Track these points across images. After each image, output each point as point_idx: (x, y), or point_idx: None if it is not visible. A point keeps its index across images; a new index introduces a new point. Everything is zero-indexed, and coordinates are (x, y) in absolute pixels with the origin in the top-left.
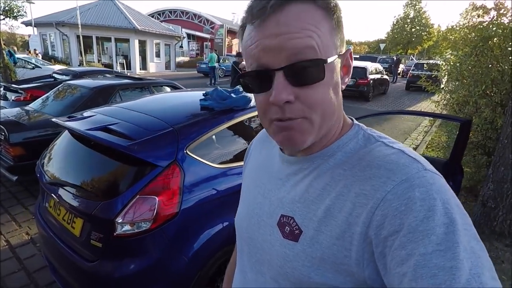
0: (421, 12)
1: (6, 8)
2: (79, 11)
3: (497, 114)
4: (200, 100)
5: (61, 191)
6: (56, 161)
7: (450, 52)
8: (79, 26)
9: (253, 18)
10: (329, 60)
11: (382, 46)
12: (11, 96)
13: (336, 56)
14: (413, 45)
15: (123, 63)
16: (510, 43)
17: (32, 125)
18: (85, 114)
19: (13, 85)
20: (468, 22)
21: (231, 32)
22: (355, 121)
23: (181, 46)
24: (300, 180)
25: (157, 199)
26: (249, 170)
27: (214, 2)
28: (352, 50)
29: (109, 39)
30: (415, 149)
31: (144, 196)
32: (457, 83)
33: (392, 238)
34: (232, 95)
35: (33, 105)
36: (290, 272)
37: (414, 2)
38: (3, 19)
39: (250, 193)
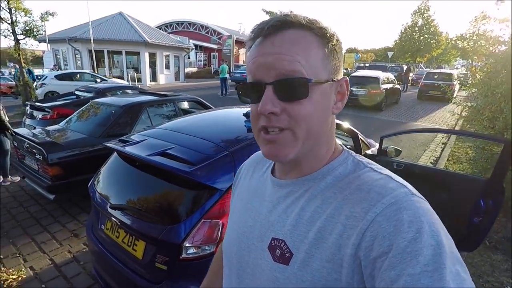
0: (429, 20)
1: (27, 28)
2: (91, 26)
3: None
4: (245, 121)
5: (121, 215)
6: (111, 184)
7: (463, 62)
8: (92, 41)
9: (254, 37)
10: (314, 80)
11: (390, 54)
12: (38, 115)
13: (327, 80)
14: (422, 53)
15: (134, 76)
16: None
17: (68, 145)
18: (136, 138)
19: (38, 103)
20: (478, 30)
21: (238, 42)
22: (345, 148)
23: (189, 57)
24: (291, 203)
25: (220, 222)
26: (239, 193)
27: (221, 13)
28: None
29: (120, 53)
30: (436, 161)
31: (208, 219)
32: (486, 99)
33: (381, 259)
34: None
35: (64, 124)
36: None
37: (422, 10)
38: (23, 38)
39: (240, 216)
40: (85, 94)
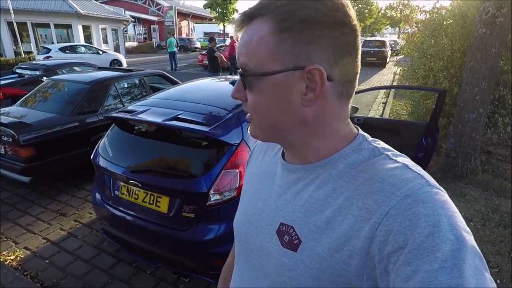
0: None
1: None
2: None
3: (453, 84)
4: None
5: (142, 177)
6: (121, 154)
7: (392, 30)
8: (11, 11)
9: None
10: (259, 73)
11: None
12: None
13: (279, 70)
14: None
15: None
16: (460, 27)
17: (39, 124)
18: (138, 108)
19: None
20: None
21: (180, 14)
22: (361, 131)
23: (126, 31)
24: (301, 189)
25: (237, 171)
26: (250, 174)
27: None
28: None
29: (47, 25)
30: (380, 117)
31: (227, 170)
32: (419, 60)
33: (396, 254)
34: None
35: (22, 104)
36: (287, 281)
37: None
38: None
39: (250, 197)
40: (29, 72)
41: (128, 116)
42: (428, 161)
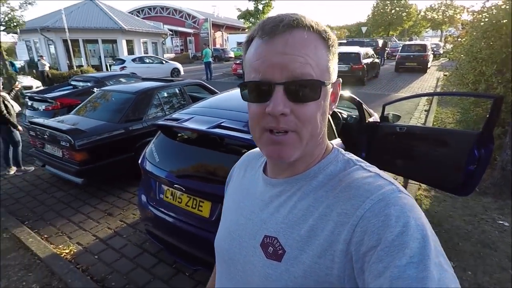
0: None
1: (6, 19)
2: (64, 14)
3: (509, 90)
4: None
5: (186, 182)
6: (168, 159)
7: (433, 32)
8: (66, 30)
9: (264, 33)
10: (326, 83)
11: (364, 29)
12: (40, 106)
13: (329, 82)
14: (394, 26)
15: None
16: None
17: (92, 131)
18: (183, 116)
19: (37, 95)
20: (445, 0)
21: (214, 25)
22: (335, 145)
23: (164, 43)
24: (284, 201)
25: None
26: (230, 193)
27: None
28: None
29: (95, 41)
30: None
31: None
32: (469, 64)
33: (370, 253)
34: None
35: (76, 113)
36: None
37: None
38: (4, 29)
39: (232, 214)
40: (82, 83)
41: (174, 123)
42: (481, 174)
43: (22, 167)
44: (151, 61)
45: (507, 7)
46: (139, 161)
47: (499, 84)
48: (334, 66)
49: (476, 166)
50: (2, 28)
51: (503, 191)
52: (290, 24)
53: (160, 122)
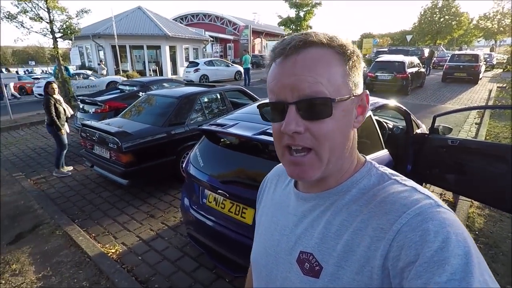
0: (449, 0)
1: (64, 26)
2: (114, 22)
3: None
4: None
5: (228, 188)
6: (211, 164)
7: (485, 42)
8: (115, 36)
9: (276, 56)
10: (338, 99)
11: (408, 37)
12: (90, 109)
13: (349, 96)
14: (442, 35)
15: (156, 70)
16: None
17: (137, 134)
18: (227, 122)
19: (88, 98)
20: (502, 9)
21: (254, 32)
22: (367, 159)
23: (205, 49)
24: (317, 216)
25: None
26: (263, 207)
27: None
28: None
29: (141, 47)
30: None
31: None
32: None
33: (408, 269)
34: None
35: (123, 116)
36: None
37: None
38: (61, 36)
39: (266, 230)
40: (128, 88)
41: (219, 129)
42: None
43: (60, 169)
44: (218, 64)
45: None
46: (183, 165)
47: None
48: (354, 79)
49: None
50: (60, 35)
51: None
52: (296, 46)
53: (205, 127)
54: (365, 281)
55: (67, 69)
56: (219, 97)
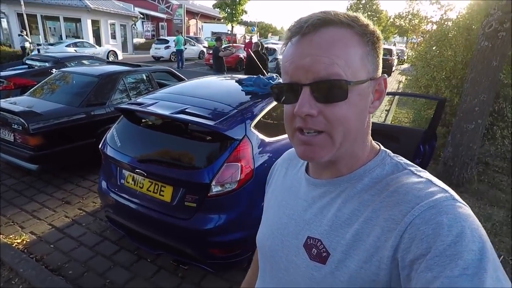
0: None
1: None
2: None
3: (454, 94)
4: (243, 86)
5: (148, 167)
6: (129, 144)
7: (399, 39)
8: (22, 3)
9: (292, 35)
10: (354, 82)
11: None
12: None
13: (366, 79)
14: None
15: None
16: (463, 39)
17: (49, 114)
18: (147, 101)
19: None
20: (413, 10)
21: (189, 13)
22: (382, 147)
23: (134, 27)
24: (327, 203)
25: (239, 164)
26: (273, 190)
27: None
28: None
29: (56, 18)
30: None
31: (230, 163)
32: (422, 69)
33: (418, 261)
34: (271, 81)
35: (31, 94)
36: None
37: None
38: None
39: (274, 213)
40: (38, 63)
41: (137, 108)
42: (425, 167)
43: None
44: (192, 44)
45: (458, 21)
46: (100, 146)
47: (446, 89)
48: (374, 62)
49: (421, 160)
50: None
51: (444, 183)
52: (314, 24)
53: (123, 106)
54: (372, 270)
55: None
56: (145, 77)
